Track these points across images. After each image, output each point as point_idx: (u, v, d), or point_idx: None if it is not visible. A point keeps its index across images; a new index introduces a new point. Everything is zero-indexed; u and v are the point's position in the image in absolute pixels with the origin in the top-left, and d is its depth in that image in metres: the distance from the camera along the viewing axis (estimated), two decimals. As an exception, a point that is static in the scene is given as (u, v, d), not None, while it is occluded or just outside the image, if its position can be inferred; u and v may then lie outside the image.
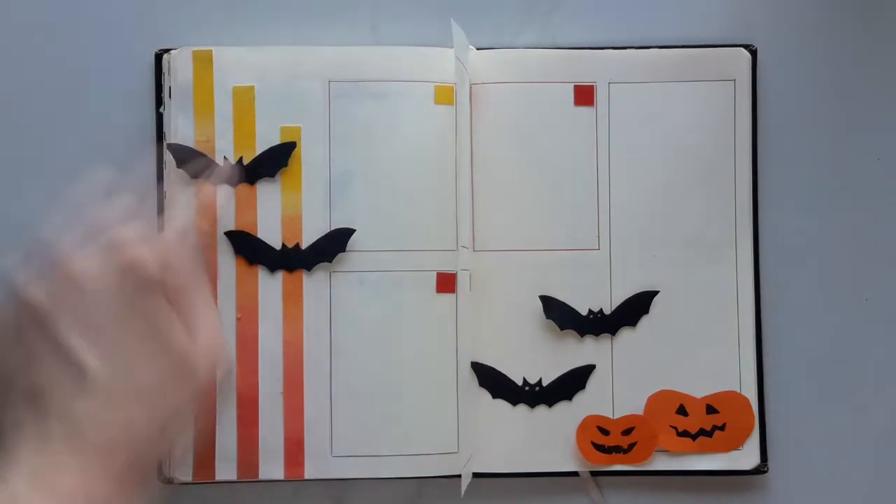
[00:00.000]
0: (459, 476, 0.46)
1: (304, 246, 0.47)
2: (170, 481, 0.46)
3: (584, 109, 0.48)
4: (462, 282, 0.46)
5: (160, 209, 0.47)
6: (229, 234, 0.47)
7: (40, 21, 0.48)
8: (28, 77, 0.48)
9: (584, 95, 0.48)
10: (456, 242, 0.47)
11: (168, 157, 0.47)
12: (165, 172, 0.47)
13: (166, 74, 0.47)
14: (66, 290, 0.36)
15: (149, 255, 0.37)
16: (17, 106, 0.48)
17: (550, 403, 0.47)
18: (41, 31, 0.48)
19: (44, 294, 0.36)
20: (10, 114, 0.48)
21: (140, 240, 0.38)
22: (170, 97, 0.47)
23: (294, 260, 0.47)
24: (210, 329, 0.39)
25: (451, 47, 0.46)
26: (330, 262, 0.47)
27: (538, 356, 0.47)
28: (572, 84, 0.48)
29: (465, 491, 0.45)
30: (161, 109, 0.47)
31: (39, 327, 0.36)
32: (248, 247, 0.47)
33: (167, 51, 0.47)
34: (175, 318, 0.38)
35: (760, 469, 0.47)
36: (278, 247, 0.47)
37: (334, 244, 0.47)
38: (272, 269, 0.46)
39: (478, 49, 0.48)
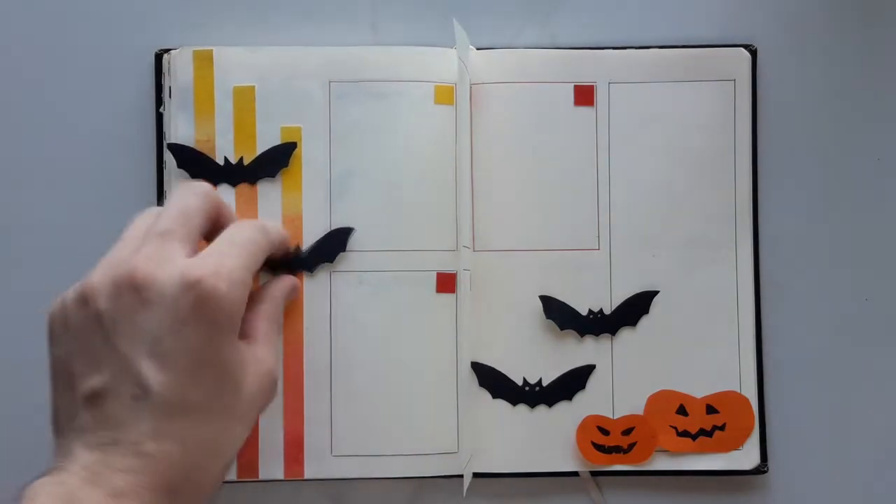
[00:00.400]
0: (460, 476, 0.46)
1: (304, 246, 0.47)
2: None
3: (584, 109, 0.48)
4: (462, 282, 0.46)
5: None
6: None
7: (40, 21, 0.48)
8: (28, 77, 0.48)
9: (584, 95, 0.48)
10: (456, 242, 0.47)
11: (168, 157, 0.47)
12: (166, 172, 0.47)
13: (166, 74, 0.47)
14: (133, 299, 0.35)
15: (228, 292, 0.36)
16: (17, 106, 0.48)
17: (550, 403, 0.47)
18: (41, 31, 0.48)
19: (111, 301, 0.36)
20: (10, 114, 0.48)
21: (220, 271, 0.36)
22: (170, 97, 0.47)
23: (295, 263, 0.46)
24: (268, 356, 0.39)
25: (451, 47, 0.46)
26: (331, 262, 0.47)
27: (538, 356, 0.47)
28: (572, 84, 0.48)
29: (466, 491, 0.45)
30: (161, 109, 0.47)
31: (104, 334, 0.35)
32: None
33: (167, 51, 0.47)
34: (242, 351, 0.37)
35: (760, 469, 0.47)
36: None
37: (334, 244, 0.47)
38: (274, 271, 0.46)
39: (478, 49, 0.48)
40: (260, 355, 0.39)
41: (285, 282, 0.44)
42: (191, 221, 0.38)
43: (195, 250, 0.38)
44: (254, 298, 0.41)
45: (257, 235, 0.40)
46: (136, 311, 0.35)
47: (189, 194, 0.39)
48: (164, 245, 0.37)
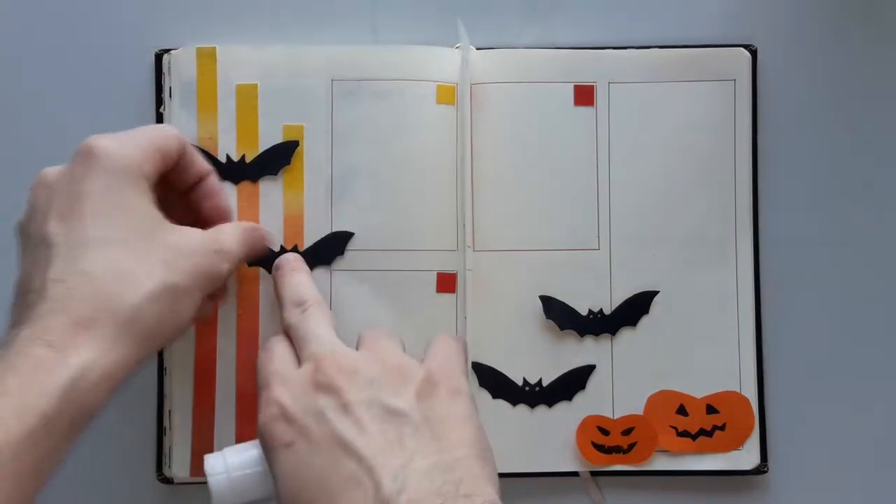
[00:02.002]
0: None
1: (305, 244, 0.47)
2: (168, 480, 0.46)
3: (584, 109, 0.48)
4: (462, 282, 0.46)
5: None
6: None
7: (40, 21, 0.48)
8: (28, 77, 0.48)
9: (584, 95, 0.48)
10: (457, 242, 0.47)
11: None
12: (166, 172, 0.47)
13: (166, 74, 0.47)
14: (43, 189, 0.39)
15: (113, 144, 0.39)
16: (17, 106, 0.48)
17: (550, 403, 0.47)
18: (41, 31, 0.48)
19: (26, 213, 0.39)
20: (11, 113, 0.48)
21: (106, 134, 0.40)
22: (170, 97, 0.47)
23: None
24: (223, 230, 0.42)
25: (451, 46, 0.46)
26: (328, 265, 0.47)
27: (538, 356, 0.47)
28: (572, 84, 0.48)
29: None
30: (161, 109, 0.47)
31: (25, 236, 0.39)
32: None
33: (167, 51, 0.47)
34: (157, 215, 0.40)
35: (760, 469, 0.47)
36: (277, 248, 0.47)
37: (333, 247, 0.47)
38: (270, 271, 0.46)
39: (478, 49, 0.48)
40: (195, 231, 0.41)
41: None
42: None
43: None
44: None
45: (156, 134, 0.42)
46: (41, 195, 0.39)
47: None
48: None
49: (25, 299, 0.37)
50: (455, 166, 0.47)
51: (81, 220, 0.37)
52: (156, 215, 0.39)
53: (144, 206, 0.39)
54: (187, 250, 0.39)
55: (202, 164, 0.44)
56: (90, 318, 0.36)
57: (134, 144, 0.39)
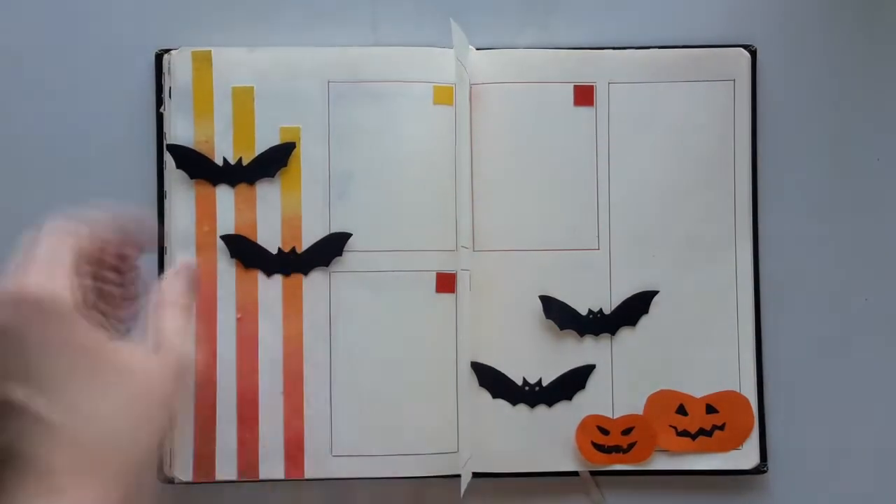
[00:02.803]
0: (459, 476, 0.46)
1: (303, 246, 0.47)
2: (170, 481, 0.47)
3: (584, 109, 0.48)
4: (462, 282, 0.46)
5: (160, 209, 0.47)
6: (225, 238, 0.47)
7: (40, 21, 0.48)
8: (28, 77, 0.48)
9: (584, 95, 0.48)
10: (455, 242, 0.47)
11: (168, 156, 0.47)
12: (166, 172, 0.47)
13: (166, 74, 0.47)
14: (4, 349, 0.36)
15: (38, 285, 0.36)
16: (17, 106, 0.48)
17: (550, 403, 0.47)
18: (41, 31, 0.48)
19: None
20: (11, 114, 0.48)
21: (27, 274, 0.37)
22: (170, 97, 0.47)
23: (290, 265, 0.47)
24: (171, 338, 0.39)
25: (450, 47, 0.46)
26: (326, 266, 0.47)
27: (538, 356, 0.47)
28: (572, 84, 0.48)
29: (466, 491, 0.45)
30: (161, 109, 0.47)
31: None
32: (244, 251, 0.47)
33: (167, 51, 0.47)
34: (117, 344, 0.37)
35: (760, 469, 0.47)
36: (275, 250, 0.47)
37: (331, 249, 0.47)
38: (268, 273, 0.47)
39: (478, 49, 0.48)
40: (144, 351, 0.39)
41: (172, 273, 0.43)
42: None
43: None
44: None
45: (65, 235, 0.39)
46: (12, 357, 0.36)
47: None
48: None
49: (15, 469, 0.35)
50: (453, 167, 0.47)
51: (51, 382, 0.35)
52: (104, 342, 0.37)
53: (93, 339, 0.37)
54: (143, 378, 0.38)
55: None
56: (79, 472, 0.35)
57: (55, 279, 0.37)
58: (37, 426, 0.35)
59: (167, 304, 0.41)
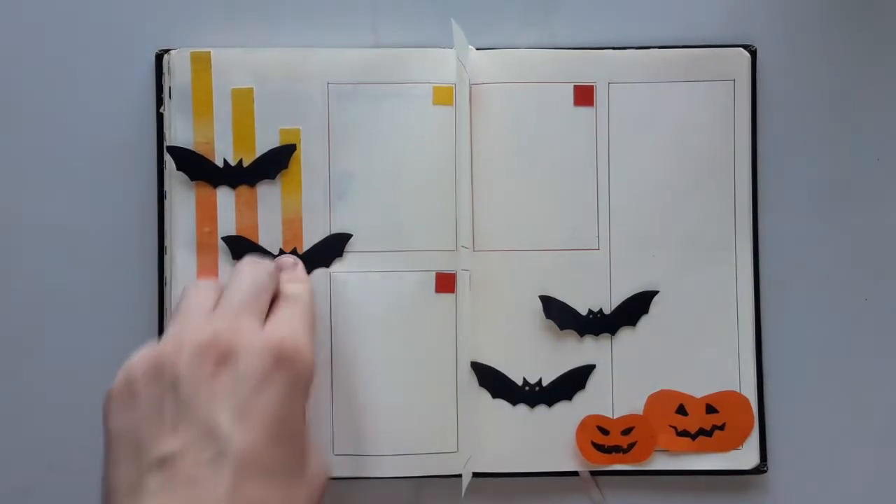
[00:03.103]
0: (459, 476, 0.46)
1: (304, 248, 0.47)
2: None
3: (584, 109, 0.48)
4: (462, 282, 0.46)
5: (160, 210, 0.47)
6: (227, 240, 0.47)
7: (40, 21, 0.48)
8: (28, 77, 0.48)
9: (584, 95, 0.48)
10: (455, 243, 0.47)
11: (168, 158, 0.47)
12: (166, 173, 0.47)
13: (166, 75, 0.47)
14: (215, 365, 0.36)
15: (305, 350, 0.37)
16: (17, 106, 0.48)
17: (550, 403, 0.47)
18: (41, 31, 0.48)
19: (190, 367, 0.36)
20: (11, 114, 0.48)
21: (294, 333, 0.38)
22: (170, 98, 0.47)
23: None
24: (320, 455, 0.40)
25: (450, 47, 0.46)
26: (327, 267, 0.47)
27: (538, 356, 0.47)
28: (572, 84, 0.48)
29: (466, 490, 0.45)
30: (161, 110, 0.47)
31: (180, 399, 0.35)
32: (245, 252, 0.46)
33: (167, 51, 0.47)
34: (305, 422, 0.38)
35: (760, 469, 0.47)
36: (276, 252, 0.47)
37: (332, 249, 0.47)
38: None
39: (478, 49, 0.48)
40: (316, 457, 0.39)
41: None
42: (262, 297, 0.40)
43: (262, 324, 0.39)
44: None
45: (308, 297, 0.41)
46: (218, 375, 0.36)
47: (261, 271, 0.41)
48: (240, 317, 0.38)
49: (187, 494, 0.34)
50: (453, 167, 0.47)
51: (265, 436, 0.35)
52: (306, 438, 0.37)
53: (303, 430, 0.37)
54: (317, 482, 0.38)
55: None
56: None
57: (311, 347, 0.38)
58: (214, 449, 0.34)
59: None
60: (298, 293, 0.41)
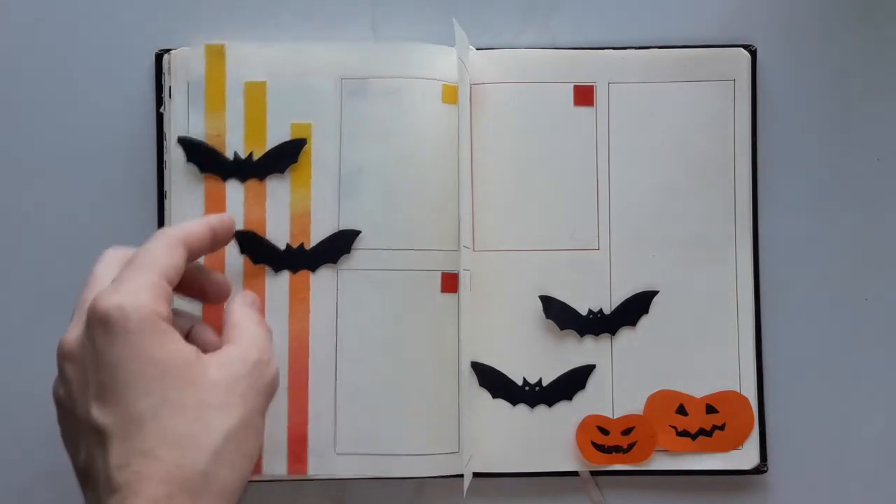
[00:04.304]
0: (460, 476, 0.46)
1: (311, 243, 0.47)
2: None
3: (584, 109, 0.48)
4: (463, 281, 0.46)
5: (160, 209, 0.47)
6: (234, 234, 0.46)
7: (40, 21, 0.48)
8: (28, 77, 0.48)
9: (584, 95, 0.48)
10: (458, 242, 0.47)
11: (172, 154, 0.46)
12: (166, 172, 0.47)
13: (167, 74, 0.47)
14: (68, 364, 0.37)
15: (125, 301, 0.36)
16: (17, 106, 0.48)
17: (550, 403, 0.47)
18: (41, 32, 0.48)
19: (58, 384, 0.37)
20: (11, 114, 0.48)
21: (115, 288, 0.37)
22: (170, 97, 0.47)
23: (298, 261, 0.46)
24: (244, 339, 0.39)
25: (451, 46, 0.46)
26: (334, 263, 0.47)
27: (538, 356, 0.47)
28: (572, 84, 0.48)
29: (466, 491, 0.45)
30: (161, 109, 0.47)
31: (67, 414, 0.37)
32: (253, 246, 0.47)
33: (167, 51, 0.47)
34: (177, 343, 0.37)
35: (760, 469, 0.47)
36: (283, 246, 0.47)
37: (339, 246, 0.46)
38: (276, 269, 0.46)
39: (478, 49, 0.48)
40: (230, 349, 0.38)
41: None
42: (95, 277, 0.39)
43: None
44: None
45: (156, 245, 0.39)
46: (72, 374, 0.37)
47: (106, 256, 0.40)
48: (79, 308, 0.38)
49: (95, 492, 0.35)
50: (457, 165, 0.47)
51: (122, 397, 0.35)
52: (187, 356, 0.36)
53: (174, 351, 0.36)
54: (232, 380, 0.37)
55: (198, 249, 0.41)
56: (166, 497, 0.34)
57: (143, 288, 0.36)
58: (109, 446, 0.35)
59: (244, 304, 0.41)
60: (146, 249, 0.39)
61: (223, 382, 0.37)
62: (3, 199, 0.48)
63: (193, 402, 0.36)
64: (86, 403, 0.36)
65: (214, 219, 0.42)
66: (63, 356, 0.37)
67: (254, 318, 0.40)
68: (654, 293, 0.47)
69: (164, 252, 0.39)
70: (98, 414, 0.35)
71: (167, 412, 0.35)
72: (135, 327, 0.35)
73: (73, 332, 0.37)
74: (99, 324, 0.36)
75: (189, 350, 0.37)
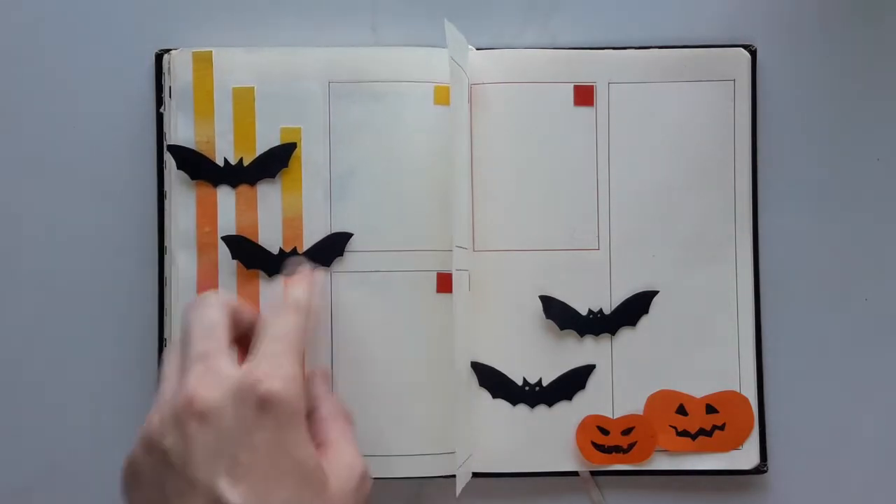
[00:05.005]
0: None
1: (304, 247, 0.47)
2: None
3: (584, 109, 0.48)
4: (459, 282, 0.46)
5: (160, 209, 0.47)
6: (227, 239, 0.47)
7: (40, 21, 0.48)
8: (28, 77, 0.48)
9: (584, 95, 0.48)
10: (451, 242, 0.47)
11: (168, 157, 0.47)
12: (166, 172, 0.47)
13: (166, 75, 0.47)
14: (197, 426, 0.35)
15: (286, 389, 0.36)
16: (17, 106, 0.48)
17: (550, 403, 0.47)
18: (41, 32, 0.48)
19: (174, 436, 0.36)
20: (11, 114, 0.48)
21: (275, 371, 0.36)
22: (170, 97, 0.47)
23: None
24: (348, 451, 0.39)
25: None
26: (328, 266, 0.47)
27: (538, 356, 0.47)
28: (572, 84, 0.48)
29: (466, 490, 0.45)
30: (161, 110, 0.47)
31: (176, 471, 0.35)
32: (245, 252, 0.47)
33: (167, 51, 0.47)
34: (311, 445, 0.37)
35: (760, 469, 0.47)
36: (276, 251, 0.47)
37: (332, 249, 0.47)
38: (270, 273, 0.47)
39: (478, 49, 0.48)
40: (340, 458, 0.39)
41: (325, 379, 0.44)
42: (217, 334, 0.38)
43: (235, 360, 0.38)
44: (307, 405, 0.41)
45: (294, 320, 0.40)
46: (203, 436, 0.35)
47: (204, 308, 0.39)
48: (207, 365, 0.37)
49: None
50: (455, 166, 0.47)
51: (260, 484, 0.35)
52: (316, 460, 0.37)
53: (309, 453, 0.36)
54: (345, 494, 0.38)
55: None
56: None
57: (299, 379, 0.37)
58: None
59: (326, 415, 0.41)
60: (279, 318, 0.40)
61: (339, 494, 0.37)
62: (3, 199, 0.48)
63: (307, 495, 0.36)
64: (212, 473, 0.35)
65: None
66: (196, 414, 0.35)
67: (349, 428, 0.41)
68: (655, 293, 0.47)
69: (302, 335, 0.39)
70: (227, 490, 0.34)
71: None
72: (287, 421, 0.36)
73: (213, 393, 0.36)
74: (259, 403, 0.35)
75: (315, 454, 0.37)
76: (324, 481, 0.37)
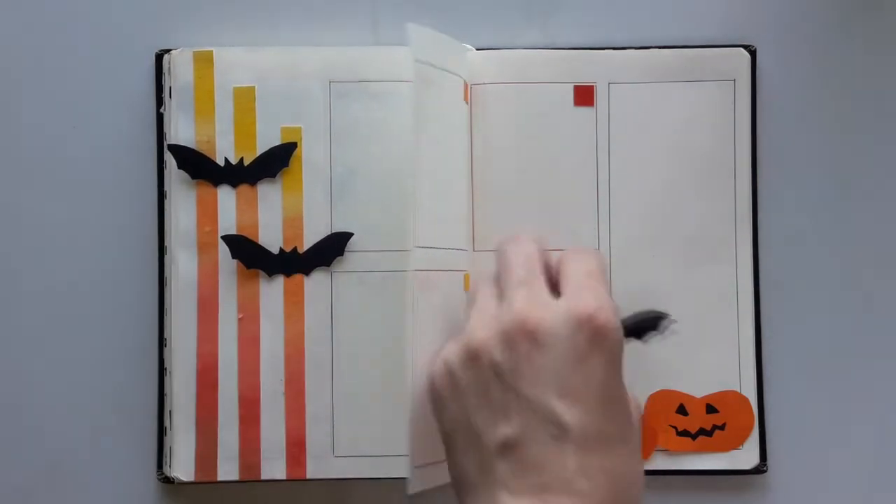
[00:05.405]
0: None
1: (304, 246, 0.47)
2: (170, 481, 0.46)
3: (584, 109, 0.48)
4: (411, 284, 0.45)
5: (160, 209, 0.47)
6: (227, 239, 0.47)
7: (40, 21, 0.48)
8: (28, 77, 0.48)
9: (584, 95, 0.48)
10: (451, 243, 0.46)
11: (169, 157, 0.47)
12: (166, 172, 0.47)
13: (167, 75, 0.47)
14: (529, 345, 0.36)
15: (617, 326, 0.36)
16: (17, 106, 0.48)
17: (550, 403, 0.47)
18: (41, 32, 0.48)
19: (505, 352, 0.36)
20: (11, 114, 0.48)
21: (604, 304, 0.36)
22: (170, 97, 0.47)
23: (292, 265, 0.47)
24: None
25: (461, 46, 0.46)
26: (328, 266, 0.47)
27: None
28: (572, 84, 0.48)
29: (413, 492, 0.45)
30: (161, 110, 0.47)
31: (504, 384, 0.36)
32: (246, 251, 0.47)
33: (167, 51, 0.47)
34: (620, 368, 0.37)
35: (760, 469, 0.47)
36: (276, 251, 0.47)
37: (332, 248, 0.47)
38: (270, 273, 0.47)
39: (478, 49, 0.48)
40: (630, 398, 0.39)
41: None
42: (534, 266, 0.39)
43: (550, 292, 0.38)
44: None
45: (598, 259, 0.40)
46: (534, 356, 0.35)
47: (522, 243, 0.40)
48: (531, 291, 0.37)
49: (539, 477, 0.35)
50: (454, 166, 0.46)
51: (593, 410, 0.35)
52: (634, 402, 0.38)
53: (630, 397, 0.37)
54: (639, 425, 0.38)
55: None
56: None
57: (617, 313, 0.37)
58: (566, 444, 0.35)
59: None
60: (588, 258, 0.40)
61: (638, 432, 0.38)
62: (4, 198, 0.48)
63: (634, 448, 0.37)
64: (545, 392, 0.35)
65: None
66: (528, 334, 0.36)
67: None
68: (666, 316, 0.46)
69: (605, 274, 0.40)
70: (564, 411, 0.35)
71: (622, 449, 0.36)
72: (616, 357, 0.36)
73: (545, 316, 0.36)
74: (593, 333, 0.35)
75: (633, 398, 0.37)
76: (632, 419, 0.37)
